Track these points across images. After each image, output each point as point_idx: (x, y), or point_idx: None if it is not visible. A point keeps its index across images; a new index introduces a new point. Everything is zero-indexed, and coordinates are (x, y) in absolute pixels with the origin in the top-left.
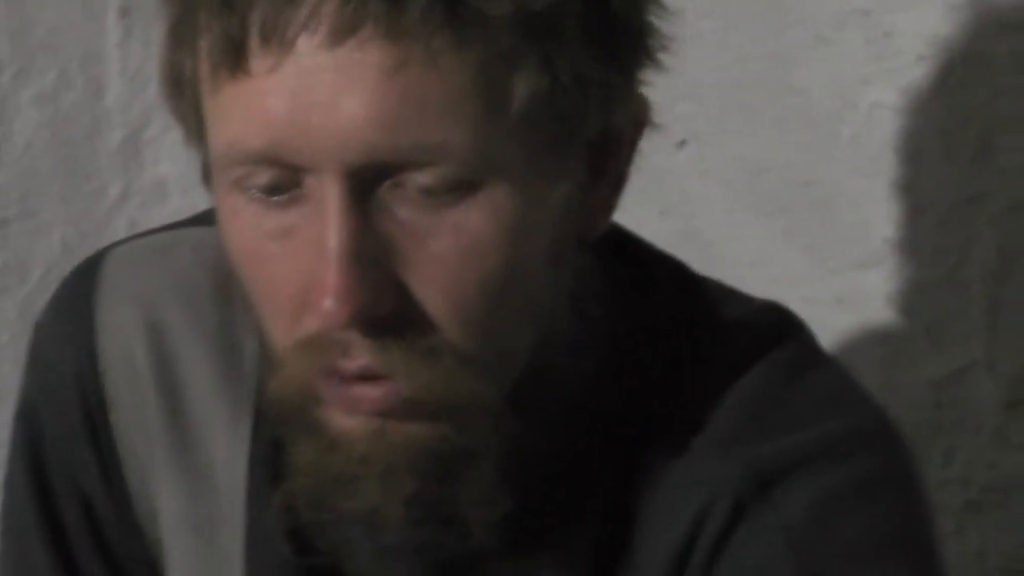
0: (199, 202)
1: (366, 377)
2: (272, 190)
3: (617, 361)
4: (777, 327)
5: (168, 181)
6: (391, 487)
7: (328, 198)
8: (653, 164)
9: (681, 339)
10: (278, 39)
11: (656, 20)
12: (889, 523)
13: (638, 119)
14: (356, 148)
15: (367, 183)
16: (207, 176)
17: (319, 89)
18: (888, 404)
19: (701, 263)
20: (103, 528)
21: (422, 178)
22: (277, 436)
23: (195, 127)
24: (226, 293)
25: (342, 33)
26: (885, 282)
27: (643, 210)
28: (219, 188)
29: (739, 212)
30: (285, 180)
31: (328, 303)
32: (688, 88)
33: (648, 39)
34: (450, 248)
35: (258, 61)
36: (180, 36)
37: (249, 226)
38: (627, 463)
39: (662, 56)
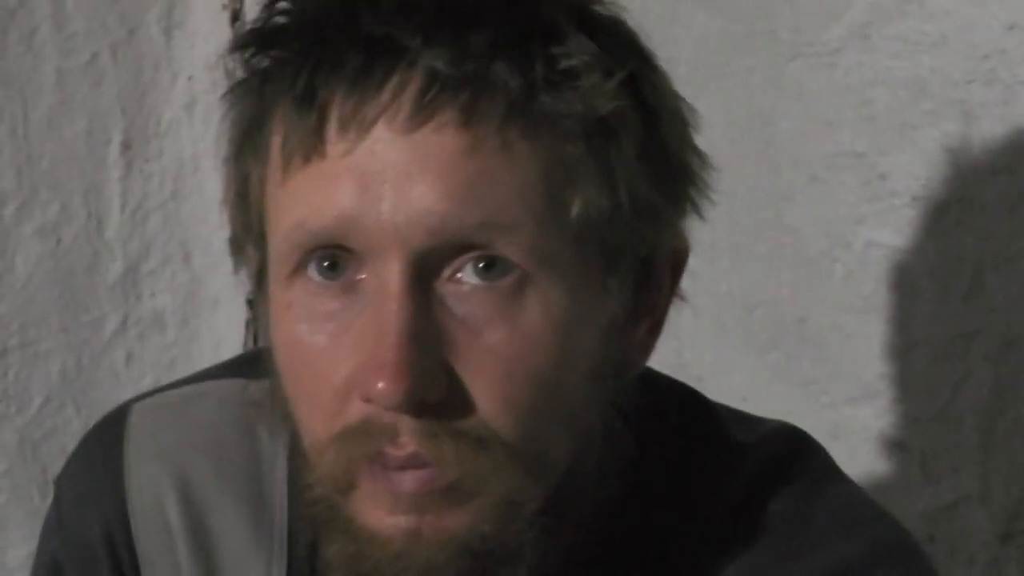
0: (195, 334)
1: (411, 466)
2: (332, 269)
3: (639, 488)
4: (789, 448)
5: (165, 313)
6: None
7: (391, 281)
8: None
9: (697, 465)
10: (356, 126)
11: (698, 166)
12: None
13: (678, 257)
14: (423, 229)
15: (429, 270)
16: (259, 285)
17: (392, 171)
18: None
19: None
20: None
21: (484, 259)
22: None
23: (257, 234)
24: (253, 446)
25: (419, 119)
26: (878, 417)
27: None
28: (274, 285)
29: (729, 347)
30: (345, 264)
31: (383, 383)
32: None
33: (693, 180)
34: (503, 340)
35: (333, 146)
36: (249, 143)
37: (302, 317)
38: None
39: (703, 203)
